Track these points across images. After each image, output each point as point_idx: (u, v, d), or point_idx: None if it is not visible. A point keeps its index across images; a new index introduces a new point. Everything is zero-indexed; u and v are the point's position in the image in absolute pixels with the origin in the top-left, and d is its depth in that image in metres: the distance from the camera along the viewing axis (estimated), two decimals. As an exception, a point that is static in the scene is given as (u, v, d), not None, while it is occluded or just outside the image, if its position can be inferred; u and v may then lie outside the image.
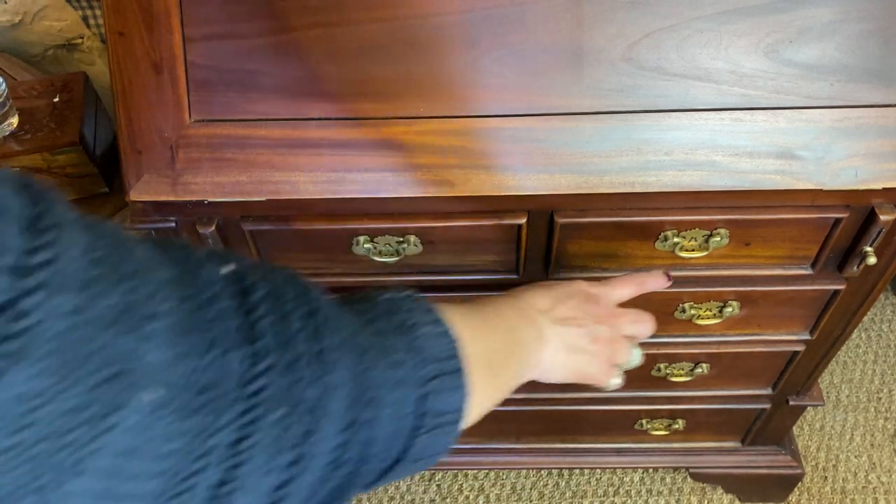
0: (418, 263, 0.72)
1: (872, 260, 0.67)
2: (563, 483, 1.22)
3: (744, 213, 0.66)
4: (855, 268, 0.71)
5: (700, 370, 0.87)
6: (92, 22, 1.19)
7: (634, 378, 0.92)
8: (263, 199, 0.62)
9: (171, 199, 0.62)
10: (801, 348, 0.84)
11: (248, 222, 0.67)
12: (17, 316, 0.20)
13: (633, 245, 0.70)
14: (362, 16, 0.60)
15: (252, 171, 0.61)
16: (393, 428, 0.36)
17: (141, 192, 0.62)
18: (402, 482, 1.22)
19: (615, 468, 1.20)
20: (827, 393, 1.31)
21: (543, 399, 0.95)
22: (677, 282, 0.67)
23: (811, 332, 0.82)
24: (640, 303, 0.63)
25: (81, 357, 0.22)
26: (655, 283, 0.63)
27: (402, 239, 0.68)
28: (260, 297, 0.31)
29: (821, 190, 0.61)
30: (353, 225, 0.67)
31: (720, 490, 1.18)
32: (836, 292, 0.75)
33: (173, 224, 0.66)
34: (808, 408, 1.16)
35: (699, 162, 0.61)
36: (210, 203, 0.63)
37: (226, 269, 0.31)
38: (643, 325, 0.60)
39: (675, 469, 1.20)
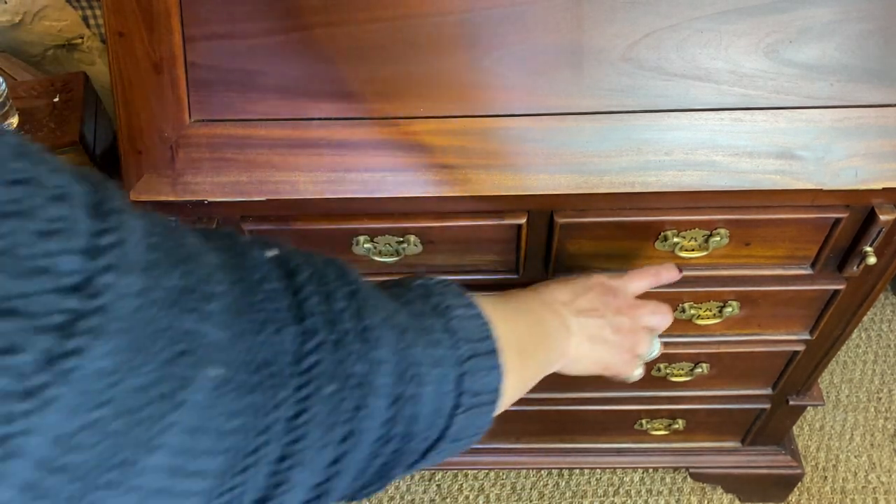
0: (418, 263, 0.72)
1: (872, 260, 0.67)
2: (563, 483, 1.22)
3: (744, 213, 0.66)
4: (855, 268, 0.71)
5: (700, 370, 0.87)
6: (92, 22, 1.19)
7: (634, 378, 0.92)
8: (263, 199, 0.62)
9: (171, 198, 0.62)
10: (801, 348, 0.84)
11: (248, 222, 0.67)
12: (92, 295, 0.21)
13: (633, 245, 0.70)
14: (362, 16, 0.60)
15: (252, 171, 0.61)
16: (434, 406, 0.37)
17: (141, 191, 0.62)
18: (401, 482, 1.22)
19: (615, 468, 1.20)
20: (827, 393, 1.31)
21: (543, 399, 0.95)
22: (678, 282, 0.67)
23: (811, 332, 0.82)
24: (640, 303, 0.63)
25: (150, 335, 0.23)
26: (669, 275, 0.64)
27: (402, 239, 0.68)
28: (305, 278, 0.32)
29: (821, 190, 0.61)
30: (353, 225, 0.67)
31: (720, 490, 1.18)
32: (836, 292, 0.75)
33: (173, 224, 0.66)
34: (808, 408, 1.16)
35: (699, 162, 0.61)
36: (210, 203, 0.63)
37: (270, 253, 0.32)
38: (662, 315, 0.61)
39: (675, 469, 1.20)
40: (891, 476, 1.21)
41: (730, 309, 0.77)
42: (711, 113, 0.61)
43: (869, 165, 0.60)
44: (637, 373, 0.59)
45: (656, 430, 1.02)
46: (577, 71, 0.61)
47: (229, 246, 0.31)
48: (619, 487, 1.21)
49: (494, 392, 0.40)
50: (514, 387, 0.44)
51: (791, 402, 0.94)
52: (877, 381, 1.33)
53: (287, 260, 0.32)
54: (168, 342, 0.24)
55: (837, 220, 0.66)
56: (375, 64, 0.61)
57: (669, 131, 0.61)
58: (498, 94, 0.61)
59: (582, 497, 1.20)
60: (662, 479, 1.21)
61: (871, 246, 0.67)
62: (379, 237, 0.68)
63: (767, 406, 0.96)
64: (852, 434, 1.26)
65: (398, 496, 1.21)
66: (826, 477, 1.21)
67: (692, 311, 0.78)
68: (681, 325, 0.81)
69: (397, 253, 0.69)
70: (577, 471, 1.22)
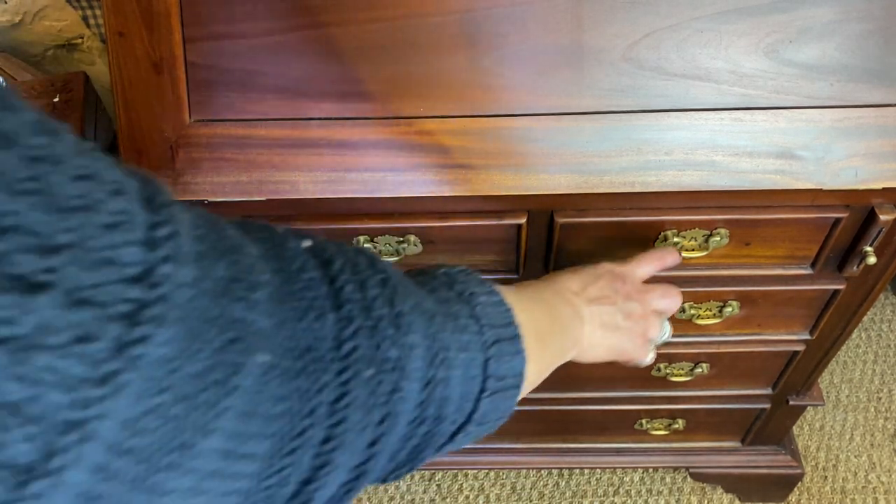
0: (418, 263, 0.72)
1: (872, 260, 0.67)
2: (563, 483, 1.22)
3: (744, 213, 0.66)
4: (855, 268, 0.71)
5: (700, 370, 0.87)
6: (92, 22, 1.19)
7: (634, 378, 0.92)
8: (263, 199, 0.62)
9: (171, 199, 0.62)
10: (800, 348, 0.84)
11: (248, 222, 0.67)
12: (153, 284, 0.22)
13: (633, 245, 0.70)
14: (362, 16, 0.60)
15: (252, 171, 0.61)
16: (463, 389, 0.38)
17: (141, 192, 0.62)
18: (401, 482, 1.22)
19: (615, 468, 1.20)
20: (827, 393, 1.31)
21: (543, 399, 0.95)
22: (677, 282, 0.67)
23: (811, 332, 0.82)
24: (640, 303, 0.63)
25: (203, 324, 0.24)
26: (672, 258, 0.65)
27: (402, 239, 0.68)
28: (339, 267, 0.33)
29: (821, 190, 0.61)
30: (353, 225, 0.67)
31: (720, 490, 1.18)
32: (836, 292, 0.75)
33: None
34: (808, 408, 1.16)
35: (699, 162, 0.61)
36: (210, 203, 0.63)
37: (305, 244, 0.33)
38: (671, 298, 0.62)
39: (675, 469, 1.20)
40: (891, 476, 1.21)
41: (730, 309, 0.77)
42: (711, 113, 0.61)
43: (869, 165, 0.60)
44: (649, 357, 0.60)
45: (656, 430, 1.03)
46: (577, 71, 0.61)
47: (267, 237, 0.32)
48: (619, 487, 1.21)
49: (518, 376, 0.42)
50: (534, 373, 0.45)
51: (791, 402, 0.94)
52: (877, 381, 1.33)
53: (322, 250, 0.34)
54: (219, 330, 0.25)
55: (837, 220, 0.66)
56: (375, 64, 0.61)
57: (669, 131, 0.61)
58: (498, 94, 0.61)
59: (582, 497, 1.20)
60: (662, 478, 1.21)
61: (871, 246, 0.67)
62: (379, 237, 0.68)
63: (767, 406, 0.96)
64: (852, 434, 1.26)
65: (398, 496, 1.21)
66: (826, 477, 1.21)
67: (692, 311, 0.78)
68: (681, 325, 0.81)
69: (397, 253, 0.70)
70: (577, 471, 1.22)
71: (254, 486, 0.27)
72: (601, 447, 1.09)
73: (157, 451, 0.23)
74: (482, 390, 0.39)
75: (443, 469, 1.20)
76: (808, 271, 0.73)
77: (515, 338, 0.41)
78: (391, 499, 1.21)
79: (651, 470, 1.22)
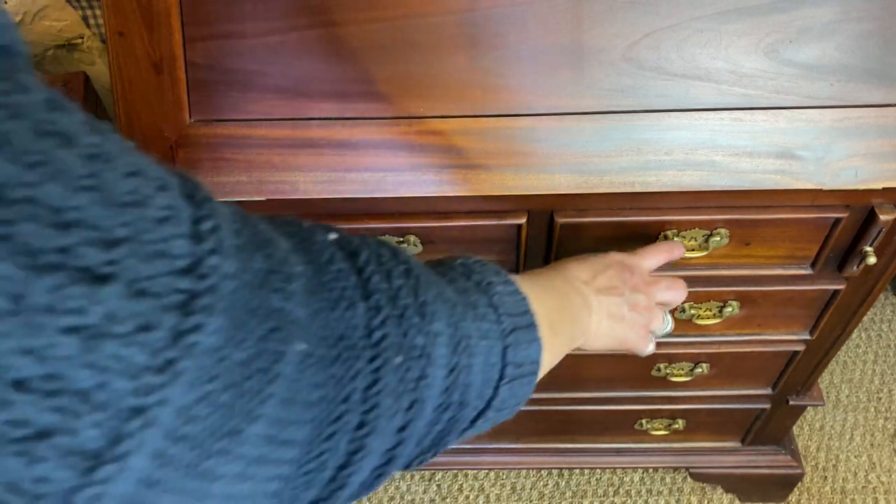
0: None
1: (872, 260, 0.67)
2: (563, 483, 1.22)
3: (744, 213, 0.66)
4: (855, 268, 0.71)
5: (700, 370, 0.87)
6: (92, 22, 1.19)
7: (634, 378, 0.92)
8: (263, 199, 0.62)
9: (171, 199, 0.62)
10: (800, 348, 0.84)
11: (248, 222, 0.67)
12: (202, 276, 0.23)
13: (633, 245, 0.70)
14: (362, 16, 0.60)
15: (252, 171, 0.61)
16: (484, 376, 0.39)
17: (141, 192, 0.62)
18: (401, 482, 1.22)
19: (615, 468, 1.20)
20: (827, 393, 1.31)
21: (544, 399, 0.95)
22: (677, 282, 0.67)
23: (811, 332, 0.82)
24: (640, 303, 0.63)
25: (246, 314, 0.25)
26: (679, 251, 0.66)
27: (402, 239, 0.68)
28: (366, 258, 0.34)
29: (821, 190, 0.61)
30: (353, 225, 0.67)
31: (720, 490, 1.18)
32: (836, 292, 0.75)
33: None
34: (808, 408, 1.16)
35: (699, 162, 0.61)
36: (210, 203, 0.62)
37: (331, 236, 0.34)
38: (676, 290, 0.63)
39: (675, 469, 1.20)
40: (891, 476, 1.21)
41: (730, 309, 0.77)
42: (711, 113, 0.61)
43: (869, 165, 0.60)
44: (650, 348, 0.61)
45: (656, 430, 1.03)
46: (577, 71, 0.61)
47: (295, 231, 0.33)
48: (619, 487, 1.21)
49: (535, 363, 0.43)
50: (547, 361, 0.46)
51: (791, 402, 0.94)
52: (877, 381, 1.33)
53: (348, 242, 0.35)
54: (260, 320, 0.25)
55: (837, 220, 0.66)
56: (376, 64, 0.61)
57: (669, 131, 0.61)
58: (498, 94, 0.61)
59: (582, 497, 1.20)
60: (662, 479, 1.21)
61: (871, 246, 0.67)
62: (379, 237, 0.68)
63: (767, 406, 0.96)
64: (852, 434, 1.26)
65: (398, 496, 1.21)
66: (826, 477, 1.21)
67: (692, 311, 0.78)
68: (681, 325, 0.81)
69: (397, 253, 0.69)
70: (577, 471, 1.22)
71: (294, 471, 0.28)
72: (601, 447, 1.09)
73: (208, 438, 0.23)
74: (501, 377, 0.40)
75: (443, 469, 1.20)
76: (808, 271, 0.73)
77: (531, 326, 0.42)
78: (391, 499, 1.21)
79: (651, 470, 1.22)
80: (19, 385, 0.18)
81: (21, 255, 0.18)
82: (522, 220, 0.66)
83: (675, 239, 0.68)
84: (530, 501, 1.20)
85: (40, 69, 1.25)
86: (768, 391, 0.93)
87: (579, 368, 0.89)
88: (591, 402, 0.96)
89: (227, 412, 0.24)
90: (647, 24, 0.60)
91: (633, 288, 0.59)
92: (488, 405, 0.40)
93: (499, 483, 1.22)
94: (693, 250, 0.69)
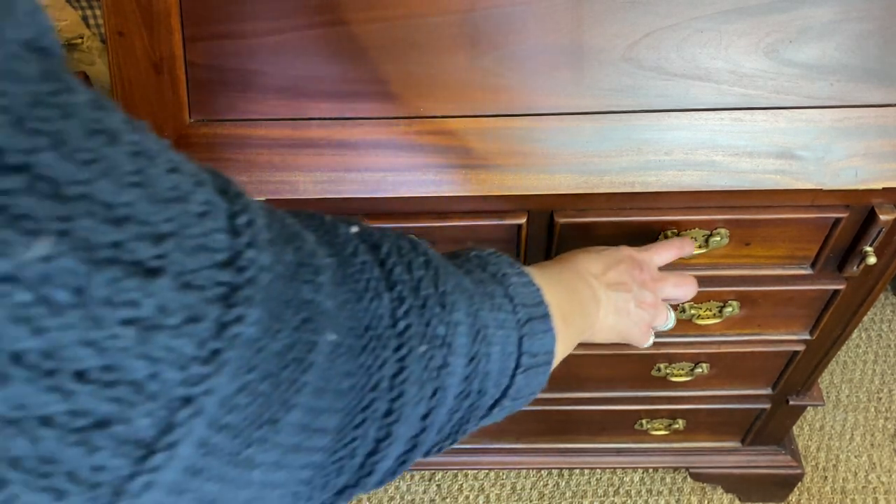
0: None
1: (872, 260, 0.67)
2: (563, 483, 1.22)
3: (744, 213, 0.66)
4: (855, 268, 0.71)
5: (700, 370, 0.87)
6: (92, 22, 1.19)
7: (634, 378, 0.92)
8: (263, 199, 0.62)
9: (171, 199, 0.62)
10: (800, 348, 0.84)
11: (248, 222, 0.67)
12: (241, 268, 0.23)
13: (634, 245, 0.70)
14: (362, 16, 0.60)
15: (252, 171, 0.61)
16: (501, 365, 0.40)
17: (141, 192, 0.62)
18: (401, 482, 1.22)
19: (615, 468, 1.20)
20: (827, 393, 1.31)
21: (544, 399, 0.95)
22: (677, 282, 0.67)
23: (811, 332, 0.82)
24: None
25: (280, 305, 0.25)
26: (689, 248, 0.67)
27: (402, 239, 0.68)
28: (387, 250, 0.35)
29: (821, 190, 0.61)
30: (353, 225, 0.67)
31: (720, 490, 1.18)
32: (836, 292, 0.75)
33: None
34: (808, 408, 1.16)
35: (699, 162, 0.61)
36: (210, 203, 0.62)
37: (353, 229, 0.35)
38: (684, 287, 0.64)
39: (675, 469, 1.20)
40: (891, 476, 1.21)
41: (730, 309, 0.77)
42: (711, 113, 0.61)
43: (869, 165, 0.60)
44: (648, 342, 0.62)
45: (656, 430, 1.03)
46: (577, 71, 0.61)
47: (318, 224, 0.34)
48: (619, 487, 1.21)
49: (549, 353, 0.43)
50: (560, 351, 0.46)
51: (791, 402, 0.94)
52: (877, 381, 1.33)
53: (369, 234, 0.35)
54: (294, 311, 0.26)
55: (837, 220, 0.66)
56: (375, 64, 0.61)
57: (669, 131, 0.61)
58: (498, 94, 0.61)
59: (582, 497, 1.20)
60: (662, 479, 1.21)
61: (871, 246, 0.67)
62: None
63: (767, 406, 0.96)
64: (852, 434, 1.26)
65: (398, 496, 1.21)
66: (826, 477, 1.21)
67: (692, 311, 0.78)
68: (681, 325, 0.81)
69: (397, 253, 0.69)
70: (577, 471, 1.22)
71: (325, 458, 0.29)
72: (601, 447, 1.09)
73: (248, 427, 0.24)
74: (517, 366, 0.41)
75: (443, 469, 1.20)
76: (808, 271, 0.73)
77: (546, 317, 0.43)
78: (391, 499, 1.21)
79: (651, 470, 1.22)
80: (80, 376, 0.19)
81: (81, 249, 0.19)
82: (522, 220, 0.66)
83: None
84: (530, 501, 1.20)
85: (40, 69, 1.25)
86: (768, 391, 0.93)
87: (579, 368, 0.89)
88: (591, 402, 0.96)
89: (265, 401, 0.24)
90: (647, 24, 0.60)
91: (642, 284, 0.59)
92: (504, 394, 0.41)
93: (499, 483, 1.22)
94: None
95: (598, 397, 0.95)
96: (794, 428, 1.12)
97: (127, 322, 0.20)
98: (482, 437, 1.09)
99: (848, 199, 0.64)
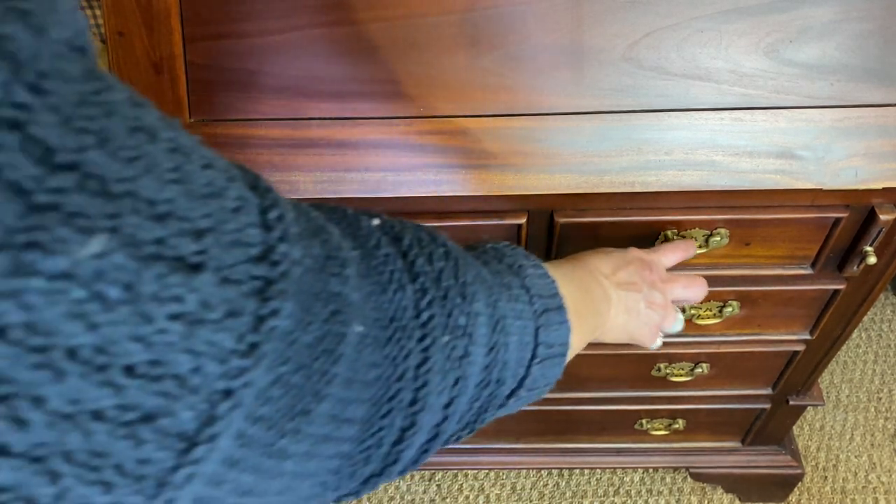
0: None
1: (872, 260, 0.67)
2: (563, 483, 1.22)
3: (744, 212, 0.66)
4: (855, 267, 0.71)
5: (700, 370, 0.87)
6: (92, 22, 1.19)
7: (634, 378, 0.92)
8: (263, 199, 0.62)
9: (171, 199, 0.62)
10: (801, 348, 0.84)
11: (248, 222, 0.67)
12: (274, 263, 0.24)
13: (634, 245, 0.70)
14: (362, 16, 0.60)
15: (252, 171, 0.61)
16: (518, 355, 0.40)
17: (141, 192, 0.62)
18: (401, 482, 1.22)
19: (615, 468, 1.20)
20: (827, 393, 1.31)
21: (544, 399, 0.95)
22: (677, 282, 0.67)
23: (811, 332, 0.82)
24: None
25: (310, 298, 0.26)
26: (693, 249, 0.67)
27: (402, 239, 0.68)
28: (409, 242, 0.35)
29: (821, 190, 0.61)
30: (353, 225, 0.67)
31: (720, 490, 1.18)
32: (836, 292, 0.75)
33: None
34: (808, 408, 1.16)
35: (699, 162, 0.61)
36: (210, 203, 0.62)
37: (375, 222, 0.35)
38: (694, 289, 0.64)
39: (675, 469, 1.20)
40: (891, 476, 1.21)
41: (730, 309, 0.77)
42: (711, 113, 0.61)
43: (869, 165, 0.60)
44: (657, 344, 0.62)
45: (656, 430, 1.02)
46: (577, 71, 0.61)
47: (341, 217, 0.34)
48: (619, 487, 1.21)
49: (564, 345, 0.44)
50: (574, 345, 0.47)
51: (791, 402, 0.94)
52: (877, 381, 1.33)
53: (390, 227, 0.36)
54: (323, 303, 0.26)
55: (837, 220, 0.66)
56: (375, 64, 0.61)
57: (669, 131, 0.61)
58: (498, 94, 0.61)
59: (582, 497, 1.20)
60: (662, 479, 1.21)
61: (871, 246, 0.67)
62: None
63: (767, 406, 0.96)
64: (852, 434, 1.26)
65: (398, 496, 1.21)
66: (826, 477, 1.21)
67: (692, 311, 0.78)
68: (681, 325, 0.81)
69: (397, 253, 0.69)
70: (577, 471, 1.22)
71: (353, 448, 0.30)
72: (601, 447, 1.09)
73: (281, 418, 0.24)
74: (534, 356, 0.41)
75: (443, 469, 1.20)
76: (809, 271, 0.73)
77: (561, 308, 0.44)
78: (391, 499, 1.21)
79: (651, 470, 1.22)
80: (129, 371, 0.19)
81: (130, 246, 0.19)
82: (522, 220, 0.66)
83: (676, 239, 0.68)
84: (530, 501, 1.20)
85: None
86: (768, 391, 0.93)
87: (579, 368, 0.89)
88: (591, 402, 0.96)
89: (298, 393, 0.25)
90: (647, 24, 0.60)
91: (651, 285, 0.59)
92: (521, 384, 0.41)
93: (499, 483, 1.22)
94: (693, 250, 0.69)
95: (599, 397, 0.95)
96: (794, 428, 1.12)
97: (173, 317, 0.20)
98: (482, 437, 1.09)
99: (848, 199, 0.64)
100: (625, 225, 0.67)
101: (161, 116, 0.22)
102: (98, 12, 1.17)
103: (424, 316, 0.33)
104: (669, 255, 0.64)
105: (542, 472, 1.23)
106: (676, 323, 0.63)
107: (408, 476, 1.23)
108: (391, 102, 0.61)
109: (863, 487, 1.20)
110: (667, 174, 0.61)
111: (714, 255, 0.71)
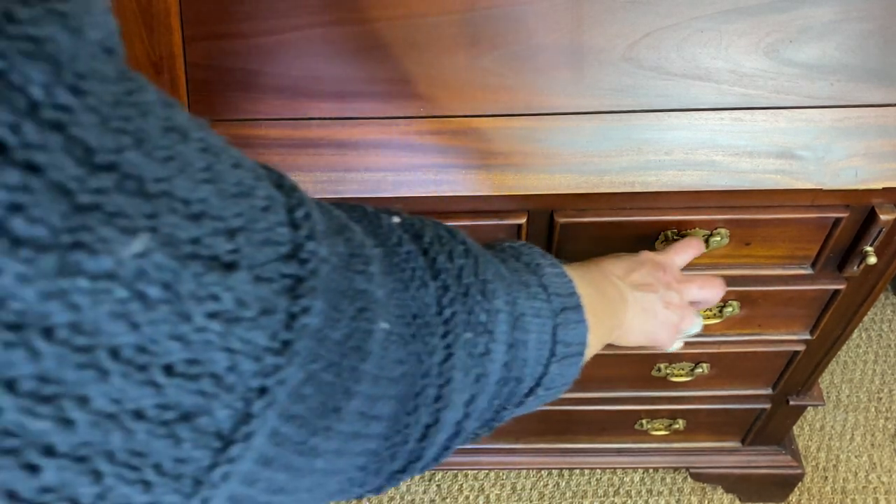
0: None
1: (872, 260, 0.67)
2: (563, 483, 1.22)
3: (744, 212, 0.66)
4: (855, 267, 0.71)
5: (700, 370, 0.87)
6: (92, 22, 1.19)
7: (635, 378, 0.92)
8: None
9: (171, 199, 0.62)
10: (801, 348, 0.84)
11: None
12: (303, 261, 0.24)
13: (634, 245, 0.70)
14: (362, 15, 0.60)
15: (252, 171, 0.61)
16: (537, 353, 0.40)
17: (141, 192, 0.62)
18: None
19: (615, 468, 1.20)
20: (827, 393, 1.31)
21: (543, 399, 0.95)
22: (677, 282, 0.67)
23: (811, 332, 0.82)
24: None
25: (337, 295, 0.26)
26: (701, 247, 0.66)
27: (402, 239, 0.68)
28: (430, 239, 0.35)
29: (821, 190, 0.61)
30: (353, 225, 0.67)
31: (720, 490, 1.18)
32: (836, 292, 0.75)
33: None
34: (809, 408, 1.16)
35: (699, 162, 0.61)
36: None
37: (395, 220, 0.36)
38: (710, 289, 0.63)
39: (676, 469, 1.20)
40: (891, 476, 1.21)
41: (730, 309, 0.77)
42: (711, 113, 0.61)
43: (869, 165, 0.60)
44: (676, 345, 0.62)
45: (656, 430, 1.02)
46: (577, 71, 0.61)
47: (361, 216, 0.34)
48: (619, 488, 1.21)
49: (582, 344, 0.44)
50: (592, 345, 0.46)
51: (791, 402, 0.94)
52: (877, 381, 1.33)
53: (410, 224, 0.36)
54: (349, 301, 0.26)
55: (837, 220, 0.66)
56: (375, 64, 0.61)
57: (669, 131, 0.61)
58: (498, 94, 0.61)
59: (582, 497, 1.20)
60: (663, 479, 1.21)
61: (871, 246, 0.67)
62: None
63: (768, 406, 0.96)
64: (853, 434, 1.26)
65: (398, 496, 1.21)
66: (826, 477, 1.21)
67: (692, 311, 0.78)
68: (681, 325, 0.81)
69: (397, 253, 0.69)
70: (577, 471, 1.22)
71: (380, 444, 0.30)
72: (601, 447, 1.09)
73: (313, 417, 0.24)
74: (552, 354, 0.41)
75: (443, 469, 1.20)
76: (809, 271, 0.73)
77: (578, 307, 0.44)
78: (391, 499, 1.21)
79: (651, 470, 1.22)
80: (169, 370, 0.19)
81: (168, 245, 0.19)
82: (522, 220, 0.66)
83: (676, 239, 0.68)
84: (530, 502, 1.20)
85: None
86: (768, 391, 0.93)
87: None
88: (591, 402, 0.96)
89: (329, 390, 0.25)
90: (647, 24, 0.60)
91: (667, 285, 0.59)
92: (539, 383, 0.41)
93: (499, 483, 1.22)
94: (693, 250, 0.69)
95: (599, 397, 0.95)
96: (794, 428, 1.12)
97: (211, 315, 0.20)
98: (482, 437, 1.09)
99: (848, 199, 0.64)
100: (625, 225, 0.67)
101: (190, 117, 0.23)
102: (98, 12, 1.17)
103: (447, 313, 0.33)
104: (681, 254, 0.64)
105: (542, 472, 1.23)
106: (695, 324, 0.62)
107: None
108: (391, 102, 0.61)
109: (863, 487, 1.20)
110: (667, 174, 0.61)
111: (714, 255, 0.71)
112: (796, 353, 0.85)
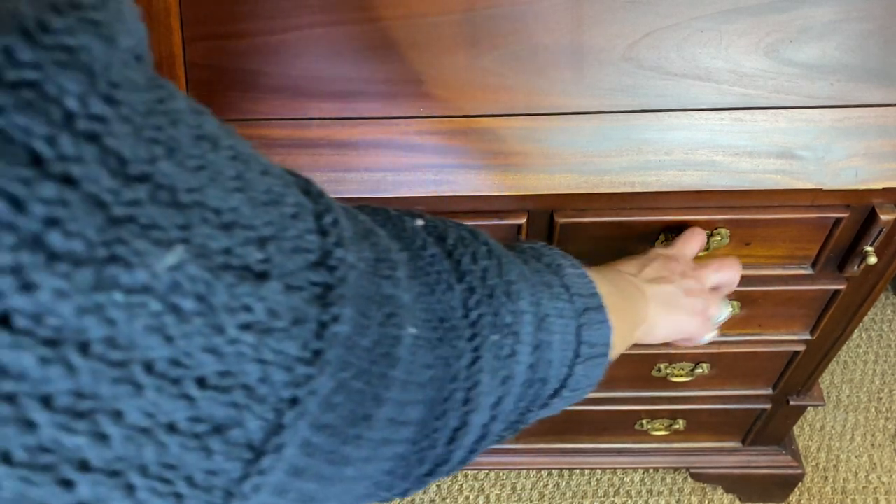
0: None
1: (873, 260, 0.67)
2: (564, 483, 1.22)
3: (744, 212, 0.66)
4: (855, 268, 0.71)
5: (700, 370, 0.87)
6: (92, 22, 1.19)
7: (635, 378, 0.92)
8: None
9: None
10: (801, 348, 0.84)
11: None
12: (332, 268, 0.23)
13: (634, 245, 0.70)
14: (362, 15, 0.60)
15: (252, 171, 0.61)
16: (561, 354, 0.40)
17: (141, 192, 0.62)
18: (402, 482, 1.22)
19: (615, 468, 1.19)
20: (827, 393, 1.31)
21: (544, 399, 0.95)
22: (677, 282, 0.67)
23: (811, 332, 0.81)
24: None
25: (365, 301, 0.25)
26: (703, 234, 0.66)
27: (402, 239, 0.68)
28: (453, 242, 0.35)
29: (821, 190, 0.61)
30: (353, 225, 0.67)
31: (720, 490, 1.18)
32: (836, 292, 0.75)
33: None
34: (809, 408, 1.16)
35: (699, 162, 0.61)
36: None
37: (419, 223, 0.35)
38: (726, 271, 0.63)
39: (676, 469, 1.20)
40: (891, 476, 1.21)
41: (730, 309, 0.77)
42: (711, 112, 0.61)
43: (869, 165, 0.60)
44: (709, 336, 0.61)
45: (657, 430, 1.02)
46: (577, 71, 0.61)
47: (385, 219, 0.34)
48: (619, 488, 1.21)
49: (606, 345, 0.44)
50: (617, 344, 0.46)
51: (791, 403, 0.94)
52: (877, 382, 1.33)
53: (434, 227, 0.36)
54: (377, 307, 0.26)
55: (838, 220, 0.66)
56: (375, 64, 0.61)
57: (669, 131, 0.61)
58: (498, 94, 0.61)
59: (582, 497, 1.20)
60: (663, 479, 1.21)
61: (871, 246, 0.67)
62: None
63: (768, 406, 0.96)
64: (853, 434, 1.26)
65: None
66: (827, 477, 1.21)
67: (692, 311, 0.78)
68: (681, 325, 0.81)
69: (397, 253, 0.69)
70: (578, 471, 1.22)
71: (409, 449, 0.30)
72: (602, 447, 1.09)
73: (343, 425, 0.24)
74: (576, 355, 0.41)
75: (443, 469, 1.20)
76: (809, 271, 0.73)
77: (601, 307, 0.43)
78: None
79: (651, 470, 1.22)
80: (201, 382, 0.19)
81: (201, 257, 0.19)
82: (522, 220, 0.66)
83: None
84: (530, 502, 1.20)
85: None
86: (769, 391, 0.93)
87: (579, 368, 0.89)
88: (591, 403, 0.96)
89: (359, 398, 0.25)
90: (648, 24, 0.60)
91: (682, 274, 0.59)
92: (564, 384, 0.41)
93: (499, 483, 1.22)
94: (693, 250, 0.69)
95: (599, 397, 0.95)
96: (794, 428, 1.12)
97: (244, 327, 0.20)
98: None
99: (848, 199, 0.64)
100: (625, 225, 0.67)
101: (219, 124, 0.22)
102: (98, 12, 1.17)
103: (473, 315, 0.33)
104: (688, 244, 0.64)
105: (543, 472, 1.23)
106: (724, 310, 0.61)
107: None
108: (391, 102, 0.61)
109: (863, 488, 1.20)
110: (667, 174, 0.61)
111: (714, 255, 0.71)
112: (796, 353, 0.85)
